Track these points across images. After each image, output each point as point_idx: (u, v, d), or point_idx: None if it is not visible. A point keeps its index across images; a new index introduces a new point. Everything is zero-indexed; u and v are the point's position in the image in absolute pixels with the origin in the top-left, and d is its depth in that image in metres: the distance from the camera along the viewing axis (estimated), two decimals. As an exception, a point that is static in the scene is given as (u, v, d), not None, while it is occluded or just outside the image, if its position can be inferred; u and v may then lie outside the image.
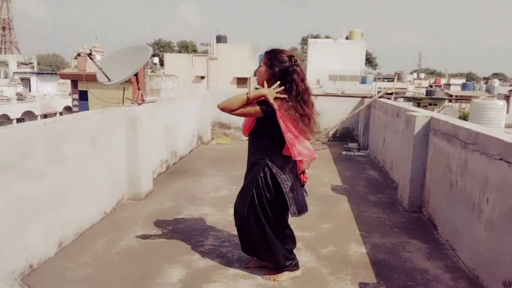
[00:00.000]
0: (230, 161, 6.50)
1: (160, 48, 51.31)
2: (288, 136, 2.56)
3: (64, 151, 3.32)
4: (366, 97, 8.54)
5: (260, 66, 2.68)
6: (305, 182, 2.83)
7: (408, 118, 4.45)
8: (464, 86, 39.69)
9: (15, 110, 29.19)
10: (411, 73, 61.40)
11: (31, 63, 41.16)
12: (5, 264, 2.62)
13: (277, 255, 2.79)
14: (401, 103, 8.31)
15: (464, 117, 16.65)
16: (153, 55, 37.19)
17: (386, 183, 5.54)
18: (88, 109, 13.17)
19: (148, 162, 4.74)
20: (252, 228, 2.76)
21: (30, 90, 35.54)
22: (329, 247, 3.42)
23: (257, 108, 2.58)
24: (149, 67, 26.61)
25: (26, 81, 36.46)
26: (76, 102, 20.19)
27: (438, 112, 12.68)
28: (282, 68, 2.58)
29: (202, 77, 29.83)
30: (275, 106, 2.52)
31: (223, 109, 2.68)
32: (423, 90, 37.73)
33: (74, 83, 20.29)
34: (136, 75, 4.85)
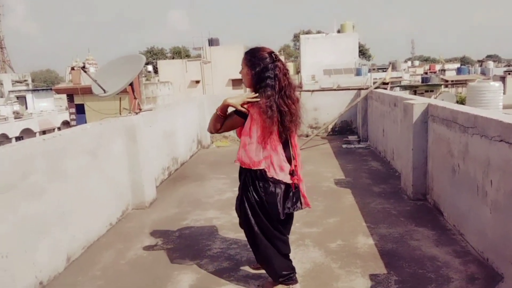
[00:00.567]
0: (231, 163, 6.47)
1: (153, 55, 51.33)
2: (242, 138, 2.53)
3: (65, 166, 3.33)
4: (362, 88, 8.54)
5: (242, 68, 2.58)
6: (296, 183, 2.59)
7: (406, 107, 4.45)
8: (459, 71, 39.72)
9: (13, 129, 29.22)
10: (405, 61, 61.42)
11: (25, 80, 41.14)
12: (15, 283, 2.62)
13: (271, 261, 2.62)
14: (398, 92, 8.30)
15: (461, 101, 16.68)
16: (147, 63, 37.22)
17: (388, 173, 5.54)
18: (86, 122, 13.18)
19: (149, 170, 4.74)
20: (245, 231, 2.69)
21: (26, 108, 35.56)
22: (337, 241, 3.42)
23: (235, 118, 2.54)
24: (143, 75, 26.60)
25: (22, 99, 36.48)
26: (73, 116, 20.21)
27: (435, 98, 12.70)
28: (263, 66, 2.50)
29: (197, 82, 29.85)
30: (243, 109, 2.48)
31: (210, 132, 2.70)
32: (419, 78, 37.71)
33: (70, 97, 20.32)
34: (131, 84, 4.86)
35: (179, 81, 28.83)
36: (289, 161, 2.56)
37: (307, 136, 8.46)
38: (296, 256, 3.06)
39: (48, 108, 35.83)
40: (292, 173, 2.56)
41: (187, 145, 7.12)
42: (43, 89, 39.83)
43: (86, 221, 3.56)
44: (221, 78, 28.82)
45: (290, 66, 31.58)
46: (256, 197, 2.55)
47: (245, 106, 2.49)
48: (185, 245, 3.52)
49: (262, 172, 2.50)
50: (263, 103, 2.42)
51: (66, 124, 30.35)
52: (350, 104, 8.51)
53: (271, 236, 2.61)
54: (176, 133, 6.43)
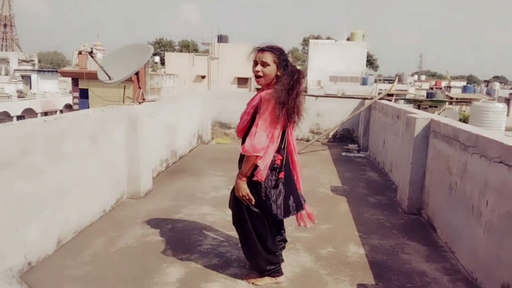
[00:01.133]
0: (230, 161, 6.49)
1: (161, 47, 51.36)
2: (253, 128, 2.46)
3: (65, 148, 3.33)
4: (367, 98, 8.54)
5: (266, 65, 2.48)
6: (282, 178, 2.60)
7: (409, 120, 4.45)
8: (464, 89, 39.67)
9: (15, 108, 29.24)
10: (412, 75, 61.39)
11: (32, 60, 41.16)
12: (4, 261, 2.62)
13: (257, 256, 2.70)
14: (402, 105, 8.30)
15: (464, 120, 16.66)
16: (154, 54, 37.19)
17: (385, 185, 5.54)
18: (88, 107, 13.17)
19: (148, 161, 4.74)
20: (236, 226, 2.76)
21: (30, 88, 35.56)
22: (328, 248, 3.42)
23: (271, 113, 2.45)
24: (150, 66, 26.62)
25: (26, 79, 36.50)
26: (76, 100, 20.22)
27: (439, 114, 12.68)
28: (290, 68, 2.51)
29: (203, 77, 29.87)
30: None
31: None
32: (424, 92, 37.70)
33: (75, 81, 20.32)
34: (137, 74, 4.86)
35: (185, 75, 28.85)
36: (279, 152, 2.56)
37: (307, 140, 8.46)
38: (286, 259, 3.05)
39: (52, 90, 35.83)
40: (277, 167, 2.55)
41: (187, 139, 7.12)
42: (48, 71, 39.85)
43: (80, 206, 3.56)
44: (227, 75, 28.85)
45: (297, 70, 31.50)
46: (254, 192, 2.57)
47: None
48: (177, 238, 3.52)
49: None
50: (278, 88, 2.43)
51: (68, 107, 30.38)
52: (353, 112, 8.51)
53: (262, 233, 2.65)
54: (177, 126, 6.43)
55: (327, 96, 10.34)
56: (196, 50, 41.86)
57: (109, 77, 4.68)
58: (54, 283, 2.76)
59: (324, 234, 3.73)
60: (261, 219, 2.63)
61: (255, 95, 2.59)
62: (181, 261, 3.11)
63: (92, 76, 5.60)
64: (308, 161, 6.71)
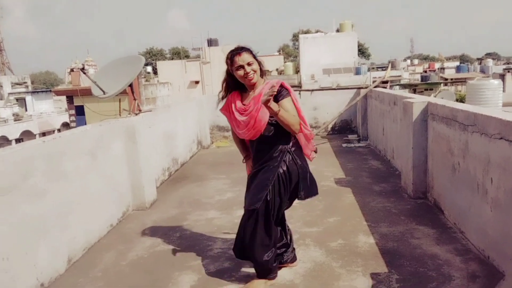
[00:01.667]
0: (231, 164, 6.49)
1: (152, 56, 51.31)
2: (302, 115, 2.63)
3: (65, 167, 3.33)
4: (362, 87, 8.54)
5: (252, 63, 2.53)
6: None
7: (406, 105, 4.45)
8: (458, 69, 39.68)
9: (13, 131, 29.25)
10: (405, 60, 61.42)
11: (25, 82, 41.15)
12: (16, 285, 2.61)
13: (270, 256, 2.69)
14: (397, 91, 8.30)
15: (461, 100, 16.67)
16: (146, 64, 37.21)
17: (389, 172, 5.54)
18: (85, 124, 13.17)
19: (150, 171, 4.74)
20: (253, 222, 2.65)
21: (26, 110, 35.58)
22: (337, 240, 3.42)
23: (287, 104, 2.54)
24: (143, 76, 26.60)
25: (21, 101, 36.49)
26: (73, 118, 20.22)
27: (435, 96, 12.69)
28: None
29: (197, 82, 29.86)
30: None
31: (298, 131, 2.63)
32: (418, 76, 37.72)
33: (70, 99, 20.33)
34: (130, 85, 4.86)
35: (179, 82, 28.85)
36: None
37: (307, 135, 8.45)
38: (297, 256, 3.05)
39: (48, 110, 35.86)
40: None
41: (187, 145, 7.12)
42: (42, 91, 39.87)
43: (86, 222, 3.56)
44: (221, 78, 28.75)
45: (289, 66, 31.56)
46: (287, 185, 2.62)
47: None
48: (186, 245, 3.51)
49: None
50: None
51: (66, 125, 30.36)
52: (349, 103, 8.51)
53: (275, 232, 2.69)
54: (176, 134, 6.43)
55: (322, 89, 10.34)
56: (187, 56, 41.83)
57: (103, 92, 4.68)
58: (68, 302, 2.76)
59: (332, 227, 3.73)
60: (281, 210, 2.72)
61: (263, 87, 2.56)
62: (192, 268, 3.11)
63: (86, 92, 5.61)
64: (309, 156, 6.69)
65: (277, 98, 2.47)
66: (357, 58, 29.32)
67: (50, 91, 36.82)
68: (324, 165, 6.01)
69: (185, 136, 7.02)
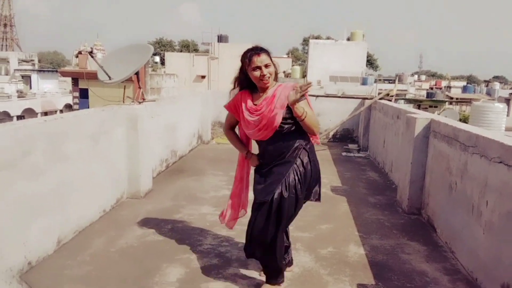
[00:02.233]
0: (230, 161, 6.48)
1: (161, 47, 51.34)
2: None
3: (65, 148, 3.33)
4: (367, 98, 8.54)
5: (270, 65, 2.53)
6: None
7: (409, 120, 4.45)
8: (465, 89, 39.68)
9: (15, 107, 29.25)
10: (412, 75, 61.40)
11: (32, 60, 41.18)
12: (4, 261, 2.62)
13: (281, 255, 2.70)
14: (402, 105, 8.30)
15: (464, 120, 16.65)
16: (154, 54, 37.16)
17: (385, 185, 5.54)
18: (88, 107, 13.17)
19: (148, 161, 4.74)
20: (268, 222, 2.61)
21: (30, 88, 35.57)
22: (328, 248, 3.42)
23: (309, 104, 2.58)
24: (150, 66, 26.59)
25: (26, 79, 36.49)
26: (76, 100, 20.20)
27: (439, 114, 12.68)
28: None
29: (203, 77, 29.86)
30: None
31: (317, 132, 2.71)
32: (424, 92, 37.71)
33: (75, 81, 20.31)
34: (137, 73, 4.86)
35: (185, 75, 28.84)
36: None
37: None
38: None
39: (52, 90, 35.83)
40: None
41: (187, 139, 7.12)
42: (48, 71, 39.85)
43: (80, 206, 3.56)
44: (227, 75, 28.73)
45: (297, 69, 31.52)
46: (303, 183, 2.62)
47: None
48: (177, 238, 3.52)
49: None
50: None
51: (68, 107, 30.38)
52: (353, 112, 8.51)
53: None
54: (177, 126, 6.43)
55: (327, 96, 10.34)
56: (196, 50, 41.87)
57: (109, 77, 4.68)
58: (54, 283, 2.76)
59: (324, 234, 3.73)
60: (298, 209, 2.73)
61: (276, 89, 2.57)
62: (181, 261, 3.11)
63: (92, 76, 5.60)
64: (308, 161, 6.69)
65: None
66: (365, 69, 29.33)
67: (56, 71, 36.78)
68: (321, 172, 5.96)
69: (186, 129, 7.02)
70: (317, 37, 38.69)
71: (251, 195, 2.79)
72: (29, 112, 29.56)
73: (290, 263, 2.98)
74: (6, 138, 2.69)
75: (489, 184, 2.80)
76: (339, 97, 9.83)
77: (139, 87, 5.06)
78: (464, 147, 3.27)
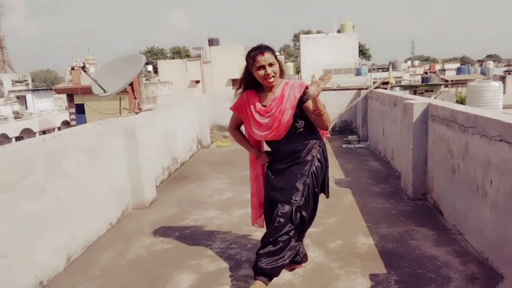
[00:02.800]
0: (231, 163, 6.49)
1: (153, 55, 51.32)
2: None
3: (65, 165, 3.32)
4: (362, 88, 8.55)
5: (275, 63, 2.54)
6: None
7: (406, 107, 4.45)
8: (459, 70, 39.72)
9: (13, 129, 29.23)
10: (405, 61, 61.47)
11: (25, 80, 41.15)
12: (15, 283, 2.62)
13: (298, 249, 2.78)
14: (398, 92, 8.30)
15: (461, 101, 16.67)
16: (147, 63, 37.17)
17: (388, 173, 5.54)
18: (86, 122, 13.17)
19: (149, 170, 4.74)
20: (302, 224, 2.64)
21: (26, 108, 35.55)
22: (336, 241, 3.42)
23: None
24: (143, 75, 26.61)
25: (22, 99, 36.47)
26: (73, 116, 20.22)
27: (435, 98, 12.69)
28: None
29: (197, 81, 29.86)
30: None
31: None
32: (419, 78, 37.73)
33: (70, 97, 20.33)
34: (131, 84, 4.85)
35: (179, 81, 28.85)
36: None
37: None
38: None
39: (48, 108, 35.83)
40: None
41: (187, 145, 7.12)
42: (43, 89, 39.82)
43: (86, 221, 3.56)
44: (221, 78, 28.83)
45: (290, 66, 31.50)
46: (318, 181, 2.68)
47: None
48: (185, 245, 3.51)
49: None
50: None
51: (66, 124, 30.36)
52: (350, 104, 8.50)
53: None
54: (176, 133, 6.43)
55: (322, 90, 10.33)
56: (188, 56, 41.83)
57: (104, 90, 4.68)
58: (66, 300, 2.76)
59: (331, 227, 3.73)
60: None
61: (283, 88, 2.58)
62: (191, 267, 3.11)
63: (87, 91, 5.61)
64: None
65: (304, 99, 2.54)
66: (358, 59, 29.33)
67: (51, 89, 36.77)
68: (324, 166, 6.00)
69: (185, 135, 7.02)
70: (307, 32, 38.66)
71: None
72: (27, 132, 29.55)
73: (305, 258, 2.96)
74: (6, 160, 2.68)
75: (491, 163, 2.80)
76: (335, 89, 9.83)
77: (135, 98, 5.06)
78: (463, 128, 3.27)
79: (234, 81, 28.68)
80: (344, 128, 8.93)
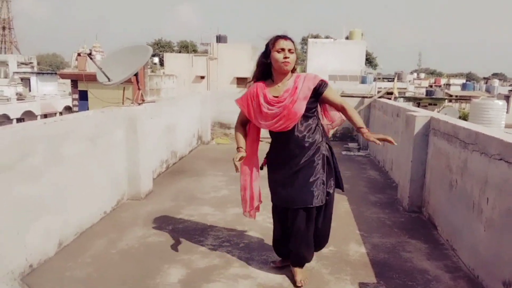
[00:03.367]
0: (230, 161, 6.43)
1: (160, 48, 51.28)
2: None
3: (64, 151, 3.33)
4: (366, 97, 8.54)
5: (293, 53, 2.58)
6: None
7: (408, 118, 4.45)
8: (464, 86, 39.71)
9: (15, 110, 29.21)
10: (411, 73, 61.41)
11: (31, 63, 41.16)
12: (5, 264, 2.62)
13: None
14: (401, 103, 8.30)
15: (464, 117, 16.66)
16: (153, 55, 37.11)
17: (386, 183, 5.54)
18: (88, 109, 13.17)
19: (148, 162, 4.74)
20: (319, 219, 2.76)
21: (30, 90, 35.53)
22: (329, 247, 3.40)
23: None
24: (149, 67, 26.60)
25: (26, 81, 36.45)
26: (76, 102, 20.20)
27: (438, 112, 12.69)
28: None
29: (202, 77, 29.83)
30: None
31: None
32: (423, 90, 37.71)
33: (74, 83, 20.31)
34: (136, 75, 4.85)
35: (184, 75, 28.83)
36: None
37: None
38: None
39: (52, 92, 35.80)
40: None
41: (187, 139, 7.12)
42: (48, 73, 39.81)
43: (80, 208, 3.56)
44: (227, 76, 28.82)
45: (296, 69, 31.39)
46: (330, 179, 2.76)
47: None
48: (178, 239, 3.52)
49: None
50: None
51: (68, 109, 30.36)
52: (353, 111, 8.48)
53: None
54: (177, 127, 6.43)
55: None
56: (195, 51, 41.81)
57: (108, 79, 4.68)
58: (55, 285, 2.76)
59: (325, 233, 3.72)
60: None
61: (296, 81, 2.60)
62: (182, 261, 3.11)
63: (91, 78, 5.59)
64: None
65: (321, 90, 2.60)
66: (364, 67, 29.31)
67: (56, 73, 36.74)
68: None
69: (186, 130, 7.02)
70: (316, 36, 38.69)
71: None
72: (28, 115, 29.54)
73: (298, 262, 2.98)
74: (5, 141, 2.68)
75: (489, 181, 2.80)
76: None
77: (138, 89, 5.06)
78: (464, 144, 3.27)
79: (239, 79, 28.69)
80: (345, 135, 8.93)
